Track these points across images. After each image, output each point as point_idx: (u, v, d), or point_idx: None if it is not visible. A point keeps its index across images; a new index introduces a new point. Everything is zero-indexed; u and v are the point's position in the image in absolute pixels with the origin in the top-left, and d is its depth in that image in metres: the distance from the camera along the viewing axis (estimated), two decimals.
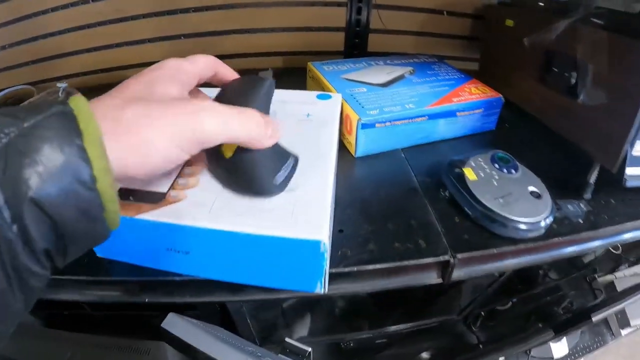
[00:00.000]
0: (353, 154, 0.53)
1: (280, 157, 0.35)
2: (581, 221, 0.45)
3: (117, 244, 0.38)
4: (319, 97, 0.49)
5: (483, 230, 0.42)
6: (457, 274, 0.42)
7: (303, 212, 0.33)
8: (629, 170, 0.45)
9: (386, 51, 0.77)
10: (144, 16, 0.74)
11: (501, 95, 0.57)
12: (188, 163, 0.38)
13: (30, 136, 0.19)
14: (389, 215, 0.44)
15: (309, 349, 0.72)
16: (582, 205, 0.47)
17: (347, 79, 0.59)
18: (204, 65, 0.33)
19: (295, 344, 0.72)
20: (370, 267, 0.39)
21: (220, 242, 0.33)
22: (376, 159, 0.53)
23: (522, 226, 0.40)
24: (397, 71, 0.62)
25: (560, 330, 0.76)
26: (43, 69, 0.77)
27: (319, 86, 0.60)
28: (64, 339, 0.72)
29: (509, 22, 0.61)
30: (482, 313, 0.93)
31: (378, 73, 0.61)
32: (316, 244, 0.31)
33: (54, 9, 0.71)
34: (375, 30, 0.77)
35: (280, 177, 0.34)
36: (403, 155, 0.54)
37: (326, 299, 0.87)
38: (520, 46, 0.56)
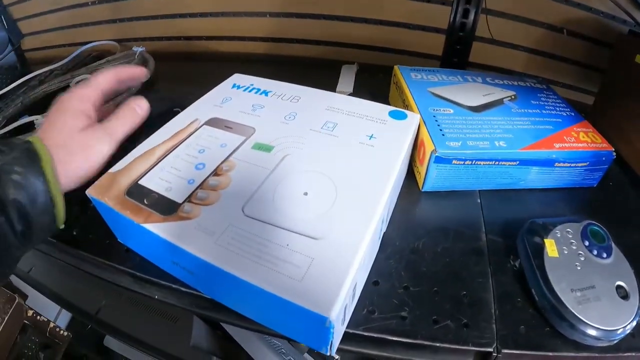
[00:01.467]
0: (420, 187, 0.46)
1: None
2: None
3: (131, 238, 0.38)
4: (391, 114, 0.43)
5: (545, 323, 0.34)
6: None
7: (320, 273, 0.27)
8: None
9: (490, 64, 0.67)
10: None
11: (613, 149, 0.45)
12: (216, 172, 0.36)
13: (12, 164, 0.31)
14: (439, 277, 0.37)
15: (337, 357, 0.69)
16: None
17: (434, 94, 0.51)
18: (104, 82, 0.42)
19: None
20: (395, 338, 0.33)
21: (222, 278, 0.29)
22: (445, 198, 0.45)
23: (594, 333, 0.32)
24: (496, 94, 0.52)
25: None
26: (126, 28, 0.79)
27: (400, 96, 0.53)
28: (104, 286, 0.76)
29: (639, 59, 0.49)
30: None
31: (472, 92, 0.51)
32: (322, 319, 0.26)
33: None
34: (481, 38, 0.66)
35: None
36: (479, 200, 0.45)
37: None
38: None
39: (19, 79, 0.70)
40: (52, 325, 0.75)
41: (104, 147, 0.37)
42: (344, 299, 0.27)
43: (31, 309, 0.73)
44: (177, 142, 0.39)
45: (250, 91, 0.47)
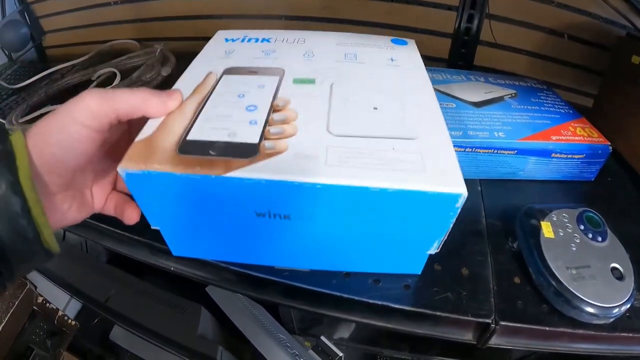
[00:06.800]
0: None
1: None
2: None
3: (185, 210, 0.31)
4: (393, 41, 0.45)
5: (542, 300, 0.36)
6: (497, 341, 0.36)
7: (433, 164, 0.28)
8: None
9: (493, 67, 0.70)
10: None
11: (609, 143, 0.47)
12: (276, 108, 0.32)
13: None
14: (439, 255, 0.38)
15: (341, 354, 0.70)
16: None
17: (438, 90, 0.53)
18: (124, 103, 0.28)
19: (329, 344, 0.71)
20: (397, 306, 0.35)
21: (339, 200, 0.28)
22: None
23: (590, 309, 0.33)
24: (497, 92, 0.54)
25: None
26: (146, 28, 0.82)
27: None
28: (114, 276, 0.78)
29: (635, 59, 0.51)
30: None
31: (474, 90, 0.54)
32: (454, 198, 0.27)
33: None
34: (485, 42, 0.69)
35: None
36: (480, 188, 0.48)
37: None
38: None
39: (40, 73, 0.73)
40: (60, 313, 0.76)
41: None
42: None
43: (41, 295, 0.74)
44: (204, 96, 0.33)
45: (248, 41, 0.43)
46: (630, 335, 0.35)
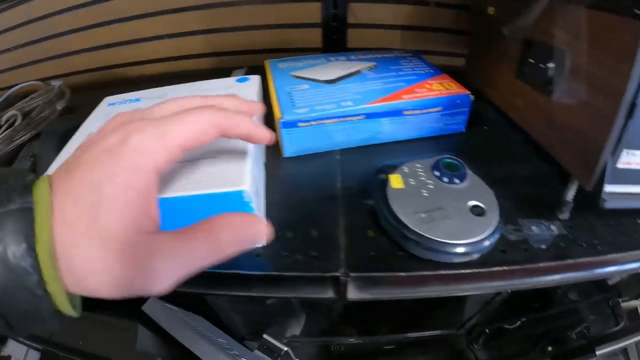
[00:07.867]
0: (282, 154, 0.50)
1: None
2: (544, 247, 0.37)
3: None
4: (238, 80, 0.51)
5: (398, 248, 0.37)
6: (358, 294, 0.37)
7: (228, 171, 0.35)
8: (609, 188, 0.38)
9: (369, 47, 0.73)
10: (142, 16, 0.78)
11: (469, 93, 0.50)
12: None
13: None
14: (290, 223, 0.41)
15: (285, 348, 0.71)
16: (552, 228, 0.39)
17: (294, 76, 0.56)
18: (196, 135, 0.27)
19: (273, 341, 0.72)
20: (249, 273, 0.37)
21: (174, 208, 0.34)
22: (305, 160, 0.50)
23: (445, 248, 0.34)
24: (354, 67, 0.57)
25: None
26: (51, 66, 0.83)
27: (268, 84, 0.59)
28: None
29: (491, 10, 0.55)
30: (487, 330, 0.86)
31: (332, 69, 0.57)
32: (239, 194, 0.33)
33: (62, 11, 0.77)
34: (355, 24, 0.73)
35: None
36: (339, 157, 0.50)
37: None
38: (500, 37, 0.50)
39: None
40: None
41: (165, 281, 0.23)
42: (249, 179, 0.34)
43: None
44: None
45: (125, 103, 0.50)
46: (506, 268, 0.35)
